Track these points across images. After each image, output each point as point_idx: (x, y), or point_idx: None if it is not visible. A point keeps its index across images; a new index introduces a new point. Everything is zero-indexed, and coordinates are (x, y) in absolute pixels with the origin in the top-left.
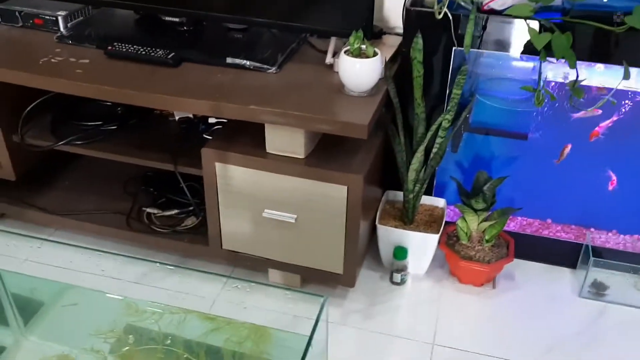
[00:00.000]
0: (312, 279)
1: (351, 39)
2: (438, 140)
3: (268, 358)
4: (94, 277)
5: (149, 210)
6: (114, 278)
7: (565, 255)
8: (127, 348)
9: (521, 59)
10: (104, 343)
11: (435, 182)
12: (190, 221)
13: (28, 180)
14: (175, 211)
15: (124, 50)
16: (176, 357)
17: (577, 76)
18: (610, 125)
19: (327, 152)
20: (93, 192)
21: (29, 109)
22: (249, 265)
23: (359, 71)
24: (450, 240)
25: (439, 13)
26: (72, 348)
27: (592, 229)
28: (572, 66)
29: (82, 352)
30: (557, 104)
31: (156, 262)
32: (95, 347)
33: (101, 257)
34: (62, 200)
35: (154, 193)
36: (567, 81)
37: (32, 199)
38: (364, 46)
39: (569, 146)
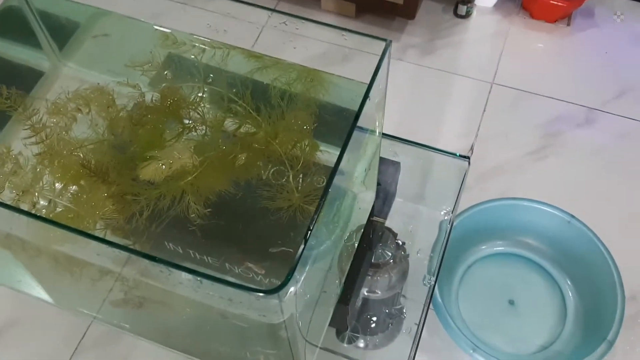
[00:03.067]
0: (367, 9)
1: None
2: None
3: (321, 102)
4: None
5: None
6: None
7: None
8: (165, 85)
9: None
10: (141, 76)
11: None
12: None
13: None
14: None
15: None
16: (219, 95)
17: None
18: None
19: None
20: None
21: None
22: None
23: None
24: None
25: None
26: (109, 77)
27: None
28: None
29: (118, 86)
30: None
31: None
32: (132, 80)
33: None
34: None
35: None
36: None
37: None
38: None
39: None
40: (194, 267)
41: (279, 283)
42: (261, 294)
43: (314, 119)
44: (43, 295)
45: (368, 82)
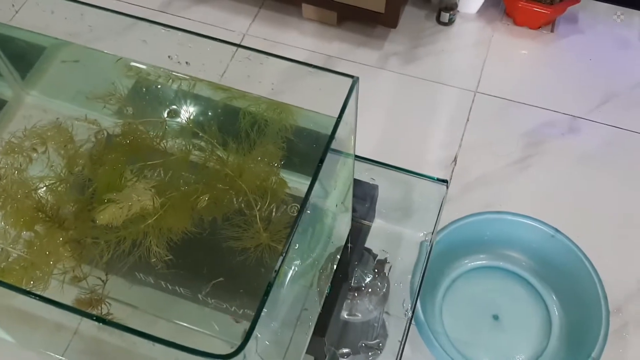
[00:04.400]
0: (349, 17)
1: None
2: None
3: (289, 135)
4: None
5: None
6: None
7: None
8: (126, 121)
9: None
10: (104, 109)
11: None
12: None
13: None
14: None
15: None
16: (184, 130)
17: None
18: None
19: None
20: None
21: None
22: None
23: None
24: None
25: None
26: (73, 106)
27: None
28: None
29: (75, 121)
30: None
31: None
32: (96, 110)
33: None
34: None
35: None
36: None
37: None
38: None
39: None
40: (167, 297)
41: (236, 347)
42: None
43: (282, 154)
44: (5, 336)
45: (337, 113)
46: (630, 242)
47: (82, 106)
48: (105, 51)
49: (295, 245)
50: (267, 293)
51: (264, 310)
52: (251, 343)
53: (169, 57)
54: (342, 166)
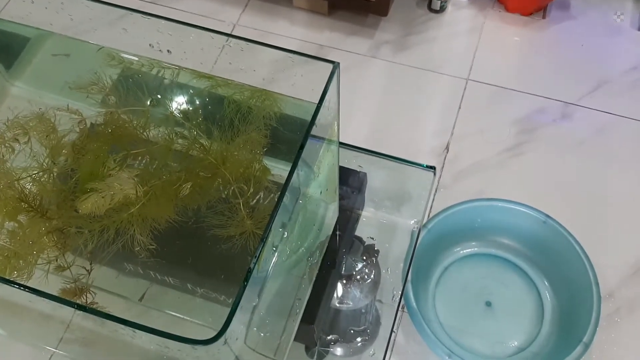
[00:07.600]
0: (340, 6)
1: None
2: None
3: (272, 123)
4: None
5: None
6: None
7: None
8: (108, 110)
9: None
10: (90, 98)
11: None
12: None
13: None
14: None
15: None
16: (168, 119)
17: None
18: None
19: None
20: None
21: None
22: None
23: None
24: None
25: None
26: (60, 97)
27: None
28: None
29: (59, 111)
30: None
31: None
32: (77, 106)
33: None
34: None
35: None
36: None
37: None
38: None
39: None
40: (156, 287)
41: (215, 333)
42: (199, 345)
43: (266, 142)
44: None
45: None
46: (621, 228)
47: (67, 97)
48: (91, 42)
49: (284, 234)
50: (247, 279)
51: (257, 299)
52: (234, 329)
53: (150, 45)
54: (326, 152)
